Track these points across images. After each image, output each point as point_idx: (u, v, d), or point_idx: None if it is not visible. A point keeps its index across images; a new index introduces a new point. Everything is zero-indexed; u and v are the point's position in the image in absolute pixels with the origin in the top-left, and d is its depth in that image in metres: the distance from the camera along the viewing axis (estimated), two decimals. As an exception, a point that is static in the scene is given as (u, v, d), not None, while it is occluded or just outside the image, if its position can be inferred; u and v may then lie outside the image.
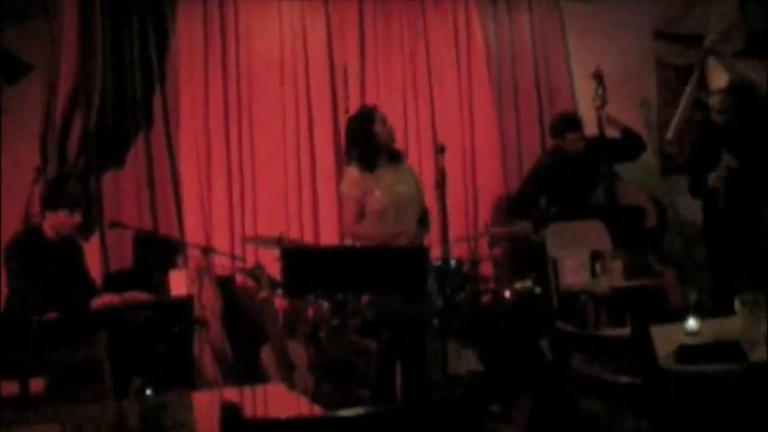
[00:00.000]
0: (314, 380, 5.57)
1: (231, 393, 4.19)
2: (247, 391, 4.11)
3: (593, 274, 6.10)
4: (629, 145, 7.08)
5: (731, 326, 3.66)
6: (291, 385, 5.63)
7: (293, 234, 7.13)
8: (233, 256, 7.10)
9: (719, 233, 6.67)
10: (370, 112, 5.69)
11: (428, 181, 6.40)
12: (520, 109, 7.86)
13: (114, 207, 6.90)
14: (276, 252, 6.22)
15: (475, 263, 6.87)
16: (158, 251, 6.90)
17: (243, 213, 7.21)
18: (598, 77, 7.02)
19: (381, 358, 3.82)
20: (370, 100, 7.32)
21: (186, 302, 6.12)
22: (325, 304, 5.99)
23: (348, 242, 5.73)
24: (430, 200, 5.84)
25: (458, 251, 6.98)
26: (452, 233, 6.21)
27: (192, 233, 7.04)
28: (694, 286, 7.01)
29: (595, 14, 8.06)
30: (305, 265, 5.17)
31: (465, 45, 7.78)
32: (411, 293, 5.28)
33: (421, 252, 5.33)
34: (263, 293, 6.38)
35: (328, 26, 7.50)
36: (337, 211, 6.99)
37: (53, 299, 5.46)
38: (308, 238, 7.22)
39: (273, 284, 6.34)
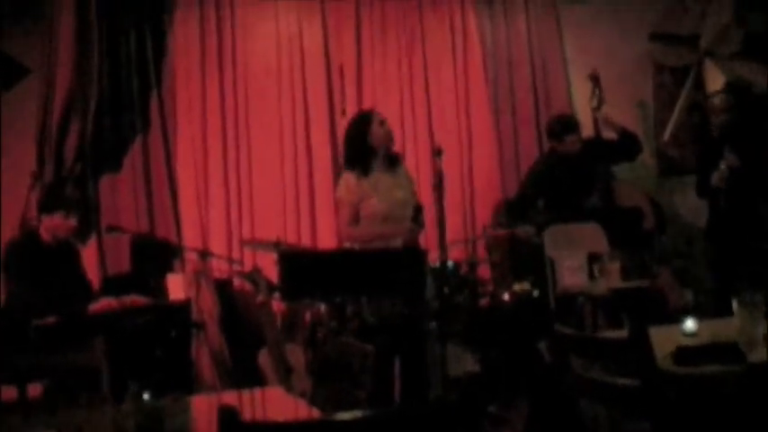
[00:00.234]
0: (312, 383, 5.56)
1: (229, 397, 4.19)
2: (245, 394, 4.10)
3: (591, 275, 6.09)
4: (626, 146, 7.08)
5: (729, 327, 3.66)
6: (289, 388, 5.62)
7: (290, 237, 7.13)
8: (230, 260, 7.10)
9: (721, 233, 6.67)
10: (367, 115, 5.68)
11: (425, 183, 6.40)
12: (517, 111, 7.86)
13: (111, 211, 6.90)
14: (274, 255, 6.22)
15: (473, 265, 6.87)
16: (156, 255, 6.90)
17: (240, 217, 7.21)
18: (595, 79, 7.02)
19: (379, 361, 3.81)
20: (366, 102, 7.33)
21: (184, 306, 6.13)
22: (323, 307, 5.98)
23: (346, 245, 5.72)
24: (427, 202, 5.83)
25: (455, 253, 6.98)
26: (450, 235, 6.21)
27: (190, 237, 7.04)
28: (692, 287, 7.01)
29: (592, 16, 8.06)
30: (302, 268, 5.16)
31: (462, 47, 7.78)
32: (409, 296, 5.27)
33: (418, 254, 5.32)
34: (261, 297, 6.37)
35: (325, 28, 7.50)
36: (334, 214, 6.99)
37: (50, 303, 5.46)
38: (306, 241, 7.22)
39: (271, 288, 6.34)
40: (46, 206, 5.84)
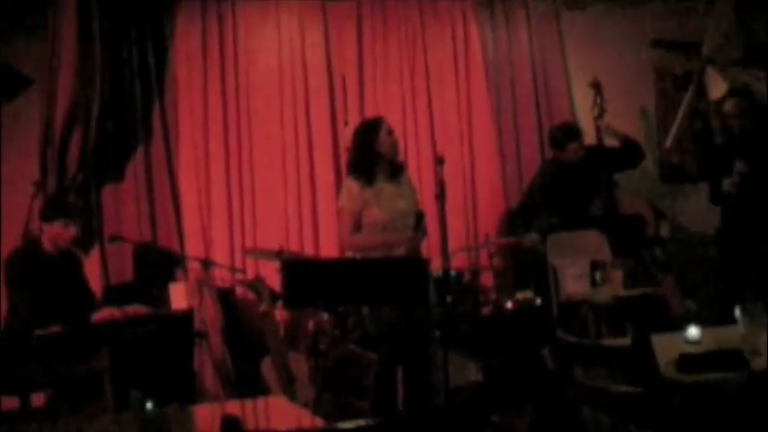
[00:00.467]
0: (315, 392, 5.55)
1: (232, 406, 4.18)
2: (248, 403, 4.10)
3: (594, 283, 6.09)
4: (628, 153, 7.08)
5: (732, 334, 3.65)
6: (292, 397, 5.62)
7: (293, 246, 7.13)
8: (233, 269, 7.09)
9: (732, 239, 6.66)
10: (376, 122, 5.69)
11: (427, 192, 6.40)
12: (518, 119, 7.85)
13: (114, 220, 6.90)
14: (276, 264, 6.22)
15: (475, 273, 6.86)
16: (158, 264, 6.90)
17: (242, 225, 7.20)
18: (596, 87, 7.02)
19: (381, 370, 3.81)
20: (368, 112, 7.33)
21: (186, 315, 6.12)
22: (326, 316, 5.98)
23: (348, 254, 5.72)
24: (430, 211, 5.83)
25: (458, 262, 6.98)
26: (452, 244, 6.21)
27: (192, 246, 7.04)
28: (694, 294, 7.00)
29: (593, 24, 8.07)
30: (305, 277, 5.16)
31: (463, 56, 7.79)
32: (411, 305, 5.28)
33: (421, 263, 5.32)
34: (264, 306, 6.37)
35: (327, 39, 7.51)
36: (336, 222, 6.98)
37: (53, 313, 5.46)
38: (309, 250, 7.21)
39: (274, 297, 6.34)
40: (46, 215, 5.85)
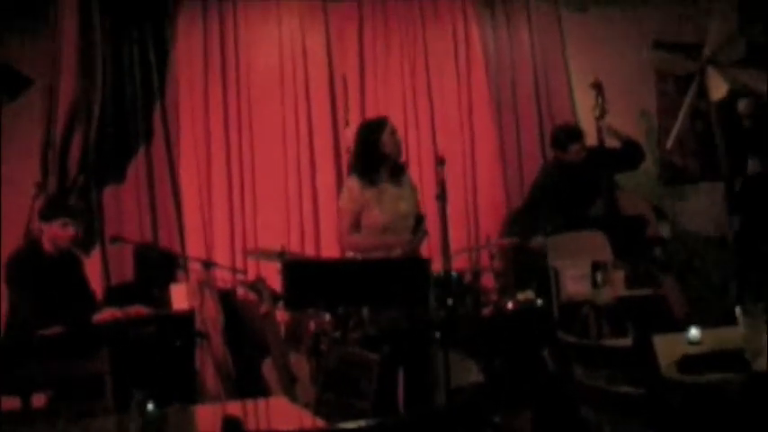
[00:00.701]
0: (316, 392, 5.55)
1: (233, 407, 4.18)
2: (249, 404, 4.10)
3: (595, 284, 6.08)
4: (629, 155, 7.08)
5: (734, 335, 3.65)
6: (293, 398, 5.62)
7: (294, 246, 7.13)
8: (234, 270, 7.09)
9: (748, 239, 6.64)
10: (380, 122, 5.69)
11: (428, 192, 6.40)
12: (520, 120, 7.85)
13: (115, 221, 6.90)
14: (277, 265, 6.22)
15: (476, 274, 6.86)
16: (159, 265, 6.90)
17: (244, 226, 7.21)
18: (597, 87, 7.01)
19: (382, 370, 3.81)
20: (369, 112, 7.33)
21: (187, 316, 6.12)
22: (327, 317, 5.98)
23: (349, 254, 5.72)
24: (430, 211, 5.83)
25: (459, 263, 6.98)
26: (453, 245, 6.20)
27: (193, 246, 7.04)
28: (695, 295, 7.01)
29: (594, 25, 8.07)
30: (306, 277, 5.16)
31: (464, 56, 7.78)
32: (412, 306, 5.28)
33: (422, 264, 5.32)
34: (265, 306, 6.38)
35: (328, 38, 7.51)
36: (337, 222, 6.99)
37: (53, 313, 5.46)
38: (310, 251, 7.21)
39: (275, 297, 6.34)
40: (45, 215, 5.85)
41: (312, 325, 6.35)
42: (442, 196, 5.25)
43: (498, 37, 7.89)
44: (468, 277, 6.68)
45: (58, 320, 5.44)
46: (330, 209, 7.19)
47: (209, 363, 6.55)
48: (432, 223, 5.88)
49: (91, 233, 6.68)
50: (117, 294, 6.50)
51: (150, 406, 3.03)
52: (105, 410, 3.78)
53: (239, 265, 7.14)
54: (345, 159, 7.15)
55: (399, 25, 7.67)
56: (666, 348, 3.43)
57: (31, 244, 5.94)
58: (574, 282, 6.18)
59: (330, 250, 7.18)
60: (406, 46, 7.67)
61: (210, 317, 6.61)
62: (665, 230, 7.36)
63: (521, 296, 6.64)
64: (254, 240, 7.17)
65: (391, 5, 7.66)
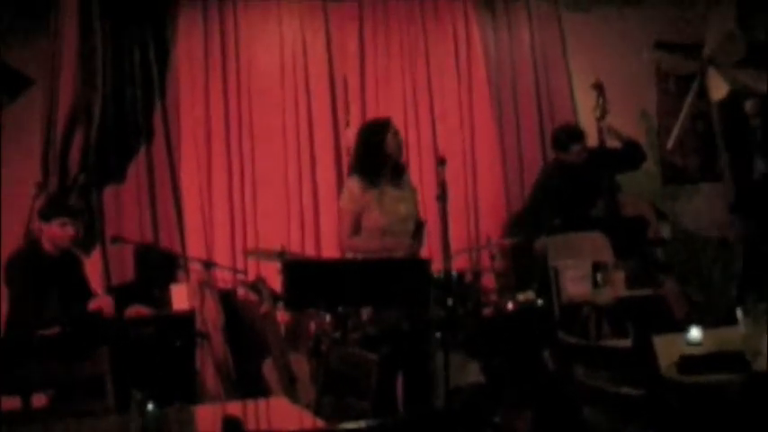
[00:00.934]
0: (316, 393, 5.55)
1: (233, 407, 4.19)
2: (249, 404, 4.10)
3: (595, 284, 6.08)
4: (630, 155, 7.08)
5: (734, 335, 3.65)
6: (293, 398, 5.62)
7: (294, 247, 7.13)
8: (234, 270, 7.09)
9: (757, 240, 6.64)
10: (384, 123, 5.67)
11: (429, 193, 6.40)
12: (520, 120, 7.85)
13: (115, 221, 6.90)
14: (278, 265, 6.22)
15: (477, 274, 6.86)
16: (160, 265, 6.90)
17: (244, 226, 7.21)
18: (598, 88, 7.01)
19: (382, 371, 3.81)
20: (370, 112, 7.34)
21: (188, 316, 6.12)
22: (327, 317, 5.98)
23: (348, 255, 5.72)
24: (431, 212, 5.83)
25: (459, 263, 6.98)
26: (454, 245, 6.20)
27: (194, 247, 7.04)
28: (695, 295, 7.01)
29: (595, 25, 8.07)
30: (307, 277, 5.16)
31: (465, 57, 7.78)
32: (413, 306, 5.27)
33: (422, 264, 5.32)
34: (265, 307, 6.38)
35: (328, 39, 7.51)
36: (337, 223, 6.99)
37: (52, 313, 5.45)
38: (310, 251, 7.21)
39: (275, 298, 6.34)
40: (44, 215, 5.85)
41: (312, 325, 6.35)
42: (442, 196, 5.24)
43: (499, 37, 7.89)
44: (468, 277, 6.67)
45: (57, 320, 5.43)
46: (330, 209, 7.19)
47: (209, 363, 6.55)
48: (432, 223, 5.88)
49: (91, 233, 6.69)
50: (117, 294, 6.49)
51: (150, 406, 3.03)
52: (106, 410, 3.78)
53: (239, 265, 7.14)
54: (346, 160, 7.15)
55: (400, 26, 7.67)
56: (667, 349, 3.43)
57: (31, 244, 5.94)
58: (574, 282, 6.18)
59: (330, 250, 7.18)
60: (406, 46, 7.67)
61: (211, 317, 6.61)
62: (665, 231, 7.36)
63: (521, 296, 6.64)
64: (254, 240, 7.17)
65: (392, 5, 7.66)
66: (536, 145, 7.83)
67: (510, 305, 6.55)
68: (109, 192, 6.92)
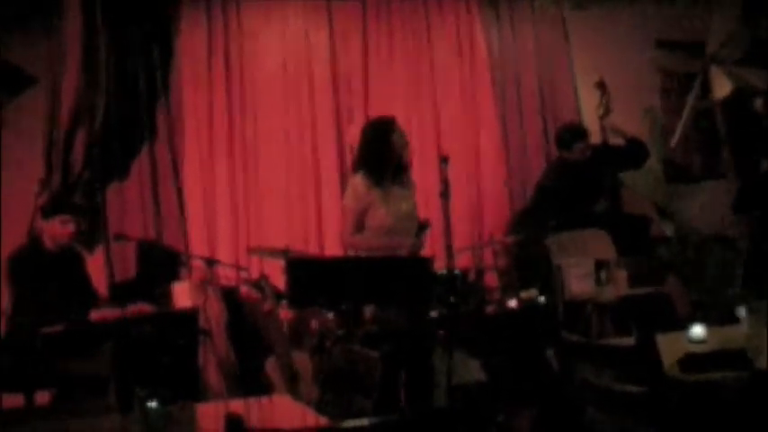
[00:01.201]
0: (319, 390, 5.56)
1: (236, 404, 4.18)
2: (252, 401, 4.10)
3: (598, 282, 6.08)
4: (633, 153, 7.07)
5: (737, 333, 3.65)
6: (296, 396, 5.61)
7: (297, 244, 7.13)
8: (237, 267, 7.09)
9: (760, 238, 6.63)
10: (390, 122, 5.65)
11: (432, 191, 6.39)
12: (523, 118, 7.85)
13: (118, 218, 6.91)
14: (281, 263, 6.22)
15: (480, 272, 6.85)
16: (162, 262, 6.90)
17: (247, 224, 7.21)
18: (602, 86, 7.01)
19: (385, 368, 3.81)
20: (373, 111, 7.33)
21: (191, 314, 6.12)
22: (330, 315, 5.98)
23: (350, 252, 5.71)
24: (434, 210, 5.82)
25: (462, 261, 6.98)
26: (457, 243, 6.20)
27: (197, 244, 7.05)
28: (698, 293, 6.99)
29: (598, 24, 8.07)
30: (310, 275, 5.16)
31: (468, 55, 7.79)
32: (416, 304, 5.27)
33: (425, 262, 5.32)
34: (268, 304, 6.37)
35: (331, 37, 7.51)
36: (340, 220, 6.98)
37: (54, 310, 5.44)
38: (313, 249, 7.22)
39: (278, 295, 6.34)
40: (45, 212, 5.85)
41: (315, 323, 6.35)
42: (445, 194, 5.24)
43: (502, 36, 7.89)
44: (471, 275, 6.68)
45: (58, 318, 5.43)
46: (333, 206, 7.20)
47: (212, 360, 6.55)
48: (435, 221, 5.88)
49: (94, 230, 6.69)
50: (120, 292, 6.50)
51: (153, 403, 3.03)
52: (108, 408, 3.78)
53: (242, 262, 7.14)
54: (349, 158, 7.14)
55: (403, 24, 7.68)
56: (670, 347, 3.43)
57: (33, 241, 5.94)
58: (577, 280, 6.18)
59: (333, 248, 7.18)
60: (409, 45, 7.68)
61: (214, 315, 6.61)
62: (668, 229, 7.37)
63: (524, 294, 6.63)
64: (257, 238, 7.17)
65: (395, 5, 7.67)
66: (539, 143, 7.84)
67: (513, 303, 6.54)
68: (112, 189, 6.93)
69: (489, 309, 6.58)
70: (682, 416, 3.22)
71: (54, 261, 5.79)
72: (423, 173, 7.30)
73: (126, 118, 6.92)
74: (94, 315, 5.56)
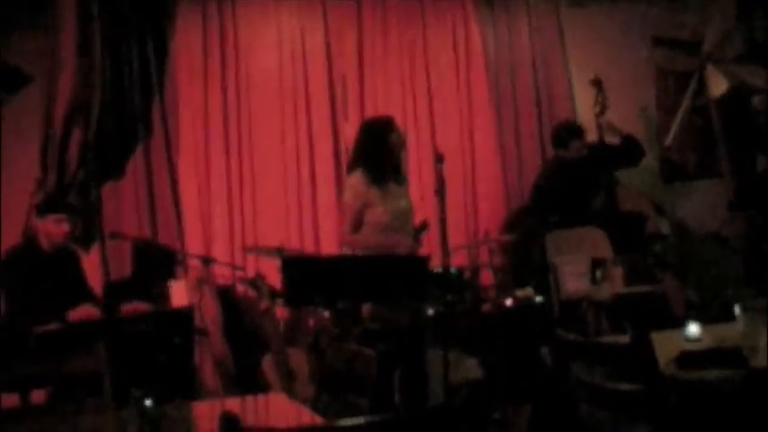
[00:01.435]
0: (315, 389, 5.56)
1: (232, 403, 4.19)
2: (248, 400, 4.11)
3: (594, 280, 6.09)
4: (629, 151, 7.08)
5: (733, 331, 3.66)
6: (292, 395, 5.62)
7: (293, 243, 7.13)
8: (233, 266, 7.09)
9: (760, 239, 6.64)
10: (389, 122, 5.66)
11: (428, 189, 6.39)
12: (519, 116, 7.85)
13: (114, 217, 6.90)
14: (277, 261, 6.22)
15: (475, 270, 6.86)
16: (158, 261, 6.89)
17: (243, 223, 7.21)
18: (597, 84, 7.02)
19: (381, 367, 3.81)
20: (369, 110, 7.34)
21: (187, 313, 6.10)
22: (326, 313, 5.98)
23: (346, 251, 5.71)
24: (430, 208, 5.82)
25: (458, 259, 6.98)
26: (452, 241, 6.20)
27: (193, 243, 7.04)
28: (694, 291, 7.00)
29: (594, 21, 8.07)
30: (306, 274, 5.16)
31: (464, 53, 7.79)
32: (412, 302, 5.28)
33: (421, 260, 5.32)
34: (264, 303, 6.38)
35: (327, 36, 7.50)
36: (337, 219, 6.99)
37: (49, 310, 5.42)
38: (309, 247, 7.22)
39: (274, 294, 6.34)
40: (40, 211, 5.83)
41: (311, 322, 6.35)
42: (440, 192, 5.25)
43: (498, 34, 7.89)
44: (467, 273, 6.68)
45: (53, 317, 5.41)
46: (329, 205, 7.21)
47: (208, 359, 6.56)
48: (431, 220, 5.89)
49: (90, 230, 6.68)
50: (116, 291, 6.49)
51: (148, 402, 3.03)
52: (104, 407, 3.78)
53: (238, 261, 7.14)
54: (345, 157, 7.14)
55: (399, 23, 7.67)
56: (665, 345, 3.44)
57: (28, 241, 5.93)
58: (573, 278, 6.19)
59: (329, 247, 7.19)
60: (405, 43, 7.67)
61: (209, 313, 6.61)
62: (664, 227, 7.37)
63: (520, 293, 6.64)
64: (252, 237, 7.17)
65: (391, 2, 7.66)
66: (535, 141, 7.84)
67: (509, 301, 6.55)
68: (108, 188, 6.92)
69: (485, 307, 6.58)
70: (677, 414, 3.23)
71: (49, 260, 5.78)
72: (418, 171, 7.31)
73: (121, 117, 6.91)
74: (72, 315, 5.50)
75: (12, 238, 6.31)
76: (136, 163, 7.01)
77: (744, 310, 3.60)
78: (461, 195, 7.58)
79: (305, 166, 7.35)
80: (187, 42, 7.20)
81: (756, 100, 6.91)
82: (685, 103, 7.94)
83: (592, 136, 7.02)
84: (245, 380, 6.48)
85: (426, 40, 7.71)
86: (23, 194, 6.53)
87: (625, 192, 7.06)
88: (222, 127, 7.22)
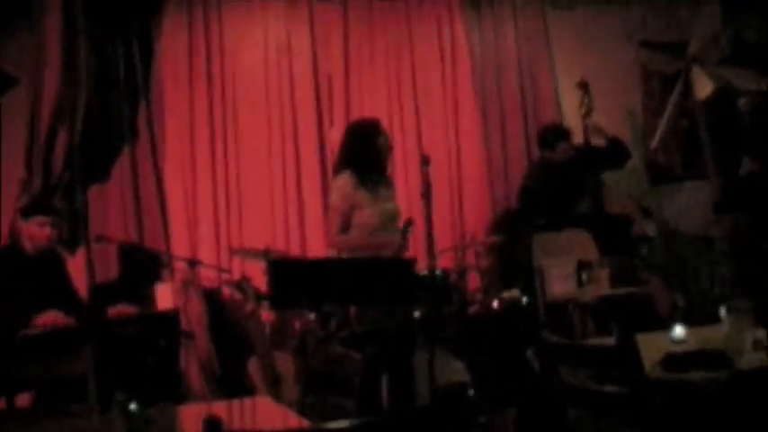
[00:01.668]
0: (301, 392, 5.55)
1: (217, 406, 4.18)
2: (234, 403, 4.10)
3: (580, 283, 6.10)
4: (615, 153, 7.09)
5: (718, 334, 3.66)
6: (278, 397, 5.61)
7: (279, 246, 7.12)
8: (219, 269, 7.08)
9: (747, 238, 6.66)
10: (375, 124, 5.68)
11: (414, 192, 6.38)
12: (505, 119, 7.86)
13: (100, 220, 6.88)
14: (263, 264, 6.21)
15: (462, 273, 6.86)
16: (144, 264, 6.88)
17: (229, 225, 7.19)
18: (583, 86, 7.03)
19: (367, 370, 3.81)
20: (354, 113, 7.33)
21: (172, 315, 6.09)
22: (312, 316, 5.97)
23: (333, 252, 5.71)
24: (416, 211, 5.82)
25: (444, 261, 6.98)
26: (439, 244, 6.20)
27: (178, 246, 7.03)
28: (680, 293, 7.01)
29: (580, 23, 8.08)
30: (292, 277, 5.15)
31: (450, 55, 7.78)
32: (398, 305, 5.27)
33: (407, 263, 5.32)
34: (250, 306, 6.37)
35: (312, 38, 7.49)
36: (323, 222, 6.99)
37: (32, 313, 5.39)
38: (295, 250, 7.21)
39: (260, 297, 6.33)
40: (23, 214, 5.80)
41: (297, 324, 6.35)
42: (426, 195, 5.25)
43: (484, 37, 7.89)
44: (453, 276, 6.68)
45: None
46: (315, 208, 7.21)
47: (194, 362, 6.54)
48: (417, 222, 5.88)
49: (76, 233, 6.65)
50: (102, 294, 6.46)
51: (133, 406, 3.02)
52: (89, 411, 3.76)
53: (224, 264, 7.13)
54: (330, 160, 7.13)
55: (384, 25, 7.67)
56: (651, 347, 3.44)
57: (12, 243, 5.90)
58: (559, 281, 6.19)
59: (315, 249, 7.19)
60: (391, 46, 7.67)
61: (195, 316, 6.59)
62: (650, 229, 7.39)
63: (506, 295, 6.64)
64: (239, 239, 7.16)
65: (376, 5, 7.65)
66: (521, 143, 7.84)
67: (495, 304, 6.55)
68: (93, 191, 6.89)
69: (471, 309, 6.59)
70: (663, 415, 3.23)
71: (32, 263, 5.74)
72: (404, 174, 7.31)
73: (107, 119, 6.89)
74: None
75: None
76: (122, 165, 6.99)
77: (729, 311, 3.61)
78: (447, 198, 7.57)
79: (290, 169, 7.34)
80: (173, 45, 7.18)
81: (742, 102, 6.93)
82: (671, 106, 7.95)
83: (578, 138, 7.03)
84: (231, 382, 6.46)
85: (412, 43, 7.70)
86: (9, 197, 6.50)
87: (611, 194, 7.07)
88: (208, 129, 7.21)
